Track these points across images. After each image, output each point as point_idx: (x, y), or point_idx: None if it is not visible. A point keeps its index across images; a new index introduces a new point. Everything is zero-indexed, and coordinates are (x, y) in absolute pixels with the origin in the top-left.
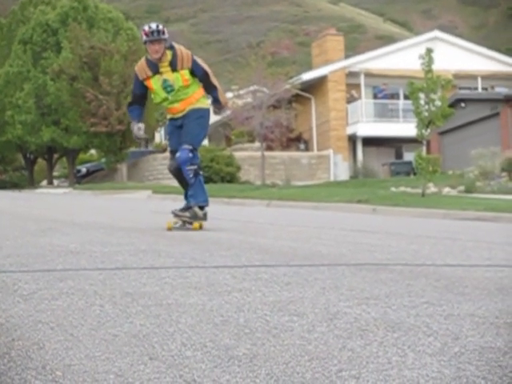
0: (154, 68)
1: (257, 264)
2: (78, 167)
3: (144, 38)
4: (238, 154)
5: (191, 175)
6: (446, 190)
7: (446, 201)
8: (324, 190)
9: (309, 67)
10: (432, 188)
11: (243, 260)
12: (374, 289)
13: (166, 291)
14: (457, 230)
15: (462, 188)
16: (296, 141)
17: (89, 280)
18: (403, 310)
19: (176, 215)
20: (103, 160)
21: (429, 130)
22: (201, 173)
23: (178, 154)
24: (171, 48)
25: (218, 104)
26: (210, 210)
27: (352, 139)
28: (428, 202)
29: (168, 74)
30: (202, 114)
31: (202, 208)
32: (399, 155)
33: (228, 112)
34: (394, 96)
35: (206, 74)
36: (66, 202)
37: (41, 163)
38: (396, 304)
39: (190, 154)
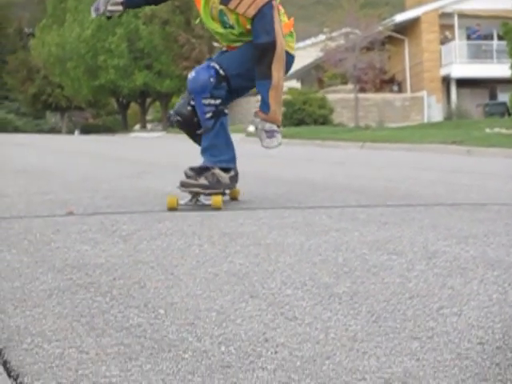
0: None
1: (353, 204)
2: (171, 111)
3: None
4: (330, 97)
5: (208, 115)
6: None
7: None
8: (418, 131)
9: (402, 9)
10: None
11: (339, 200)
12: (471, 228)
13: (263, 231)
14: None
15: None
16: (389, 83)
17: (187, 221)
18: (502, 249)
19: (184, 185)
20: None
21: None
22: (226, 112)
23: (192, 74)
24: None
25: (264, 110)
26: (302, 151)
27: (446, 80)
28: None
29: (218, 4)
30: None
31: (226, 171)
32: (493, 96)
33: (275, 142)
34: (488, 37)
35: (267, 45)
36: (160, 145)
37: (134, 107)
38: (494, 243)
39: (213, 80)
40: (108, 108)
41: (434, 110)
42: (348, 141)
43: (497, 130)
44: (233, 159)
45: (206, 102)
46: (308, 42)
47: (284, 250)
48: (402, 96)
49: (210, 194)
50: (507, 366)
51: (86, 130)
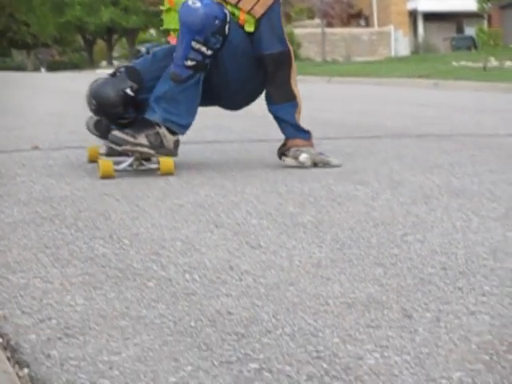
0: None
1: (319, 136)
2: (138, 47)
3: None
4: (297, 31)
5: (189, 62)
6: (508, 63)
7: (508, 74)
8: (385, 65)
9: None
10: (493, 62)
11: None
12: (437, 158)
13: (230, 164)
14: None
15: None
16: (356, 17)
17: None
18: (467, 178)
19: (118, 142)
20: (163, 40)
21: (489, 4)
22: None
23: (195, 3)
24: None
25: (303, 137)
26: None
27: (413, 14)
28: (490, 76)
29: None
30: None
31: (174, 133)
32: (460, 30)
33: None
34: None
35: (282, 56)
36: None
37: (100, 44)
38: (460, 172)
39: (218, 23)
40: (74, 45)
41: (400, 44)
42: (315, 75)
43: (463, 63)
44: (187, 127)
45: (196, 46)
46: None
47: (250, 181)
48: (369, 30)
49: (153, 156)
50: (469, 290)
51: (53, 67)
